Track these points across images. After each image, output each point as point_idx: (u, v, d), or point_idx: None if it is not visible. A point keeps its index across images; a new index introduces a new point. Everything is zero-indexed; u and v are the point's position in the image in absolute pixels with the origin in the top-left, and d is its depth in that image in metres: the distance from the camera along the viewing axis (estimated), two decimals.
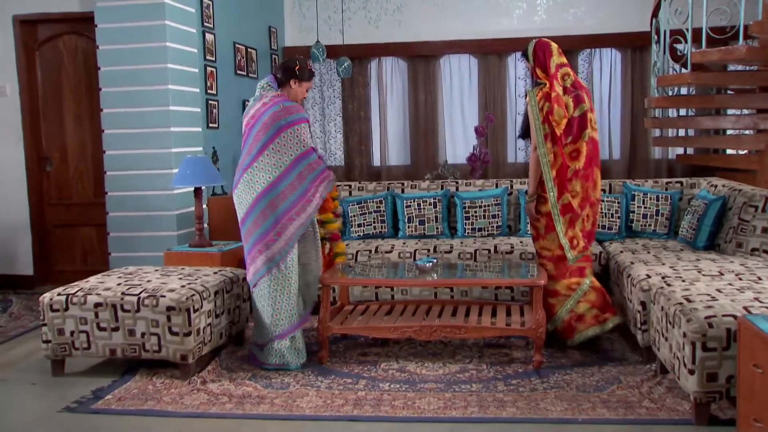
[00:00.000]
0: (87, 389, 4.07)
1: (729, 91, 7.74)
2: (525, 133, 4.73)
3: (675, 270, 4.28)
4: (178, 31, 6.08)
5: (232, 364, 4.45)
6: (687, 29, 6.65)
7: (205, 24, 6.77)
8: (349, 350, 4.65)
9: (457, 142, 8.75)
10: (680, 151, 8.30)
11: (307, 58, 4.63)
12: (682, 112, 7.95)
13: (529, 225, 4.82)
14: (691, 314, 3.37)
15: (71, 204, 6.79)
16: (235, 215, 4.48)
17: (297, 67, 4.44)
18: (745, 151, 7.49)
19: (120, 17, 5.97)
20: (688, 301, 3.55)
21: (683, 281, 4.02)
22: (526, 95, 4.73)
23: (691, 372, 3.30)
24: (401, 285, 4.92)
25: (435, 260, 4.60)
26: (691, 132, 8.04)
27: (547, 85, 4.55)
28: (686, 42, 6.74)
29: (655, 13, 7.43)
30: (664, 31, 7.13)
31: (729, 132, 7.75)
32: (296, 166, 4.30)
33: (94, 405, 3.85)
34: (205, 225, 6.35)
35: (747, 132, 7.33)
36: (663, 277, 4.13)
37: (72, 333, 4.21)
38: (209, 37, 6.88)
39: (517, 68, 8.74)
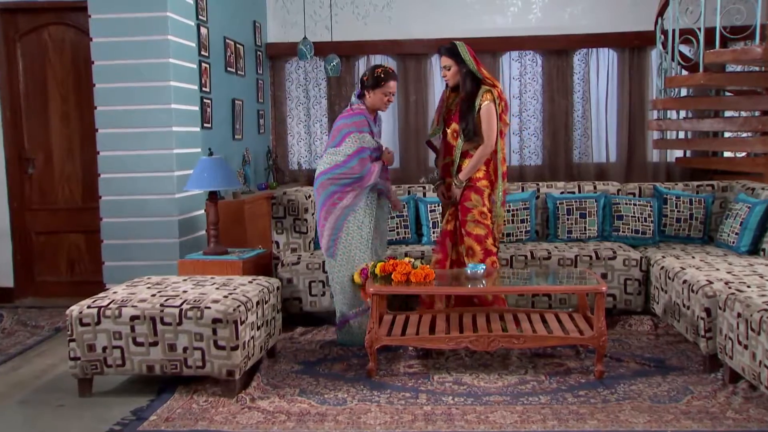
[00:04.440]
0: (125, 410, 3.89)
1: (727, 93, 7.94)
2: (472, 134, 4.87)
3: (734, 275, 4.35)
4: (179, 23, 5.91)
5: (273, 379, 4.32)
6: (699, 29, 6.78)
7: (200, 17, 6.60)
8: (392, 362, 4.57)
9: None
10: (679, 154, 8.48)
11: (379, 67, 5.00)
12: (682, 114, 8.13)
13: (467, 222, 4.93)
14: None
15: (56, 209, 6.50)
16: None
17: (365, 78, 4.92)
18: (743, 154, 7.70)
19: (117, 7, 5.74)
20: None
21: (748, 287, 4.08)
22: (469, 96, 4.86)
23: None
24: (457, 293, 4.86)
25: (484, 267, 4.56)
26: (689, 134, 8.21)
27: (497, 87, 4.92)
28: (697, 42, 6.87)
29: (661, 13, 7.57)
30: (672, 31, 7.27)
31: (728, 135, 7.95)
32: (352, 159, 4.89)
33: (141, 427, 3.67)
34: (204, 231, 6.20)
35: (745, 135, 7.53)
36: (726, 283, 4.18)
37: (104, 349, 4.02)
38: (203, 31, 6.72)
39: (511, 68, 8.80)
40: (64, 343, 5.01)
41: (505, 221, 5.26)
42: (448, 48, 4.92)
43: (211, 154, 6.52)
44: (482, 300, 4.94)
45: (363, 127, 4.87)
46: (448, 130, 5.01)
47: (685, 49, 7.76)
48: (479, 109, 4.81)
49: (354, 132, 4.84)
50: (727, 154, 8.13)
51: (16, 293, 6.48)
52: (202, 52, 6.64)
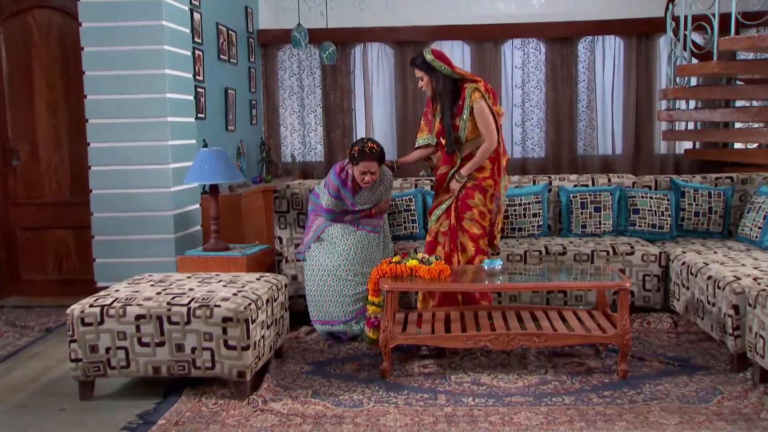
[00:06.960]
0: (130, 413, 3.86)
1: (738, 82, 8.00)
2: (454, 147, 4.94)
3: (762, 271, 4.38)
4: (173, 8, 5.86)
5: (284, 380, 4.31)
6: (713, 15, 6.81)
7: (193, 1, 6.56)
8: (405, 362, 4.57)
9: None
10: (687, 145, 8.53)
11: (367, 141, 5.01)
12: (692, 104, 8.17)
13: (464, 218, 4.98)
14: None
15: (43, 203, 6.43)
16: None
17: (349, 152, 5.01)
18: (755, 145, 7.76)
19: None
20: None
21: None
22: (452, 100, 4.90)
23: None
24: (476, 289, 4.88)
25: (501, 262, 4.57)
26: (699, 125, 8.26)
27: (481, 82, 4.92)
28: (711, 28, 6.91)
29: None
30: (684, 17, 7.30)
31: (738, 125, 8.00)
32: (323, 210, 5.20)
33: (149, 431, 3.65)
34: (200, 227, 6.18)
35: (757, 125, 7.58)
36: (755, 279, 4.21)
37: (108, 350, 3.98)
38: (196, 16, 6.69)
39: (513, 56, 8.82)
40: (56, 344, 5.03)
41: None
42: (416, 59, 4.96)
43: (205, 145, 6.51)
44: (469, 297, 4.98)
45: (334, 191, 5.03)
46: (443, 141, 5.01)
47: (696, 37, 7.80)
48: (471, 110, 4.84)
49: (327, 190, 5.06)
50: (737, 145, 8.19)
51: (0, 293, 6.40)
52: (196, 39, 6.61)
